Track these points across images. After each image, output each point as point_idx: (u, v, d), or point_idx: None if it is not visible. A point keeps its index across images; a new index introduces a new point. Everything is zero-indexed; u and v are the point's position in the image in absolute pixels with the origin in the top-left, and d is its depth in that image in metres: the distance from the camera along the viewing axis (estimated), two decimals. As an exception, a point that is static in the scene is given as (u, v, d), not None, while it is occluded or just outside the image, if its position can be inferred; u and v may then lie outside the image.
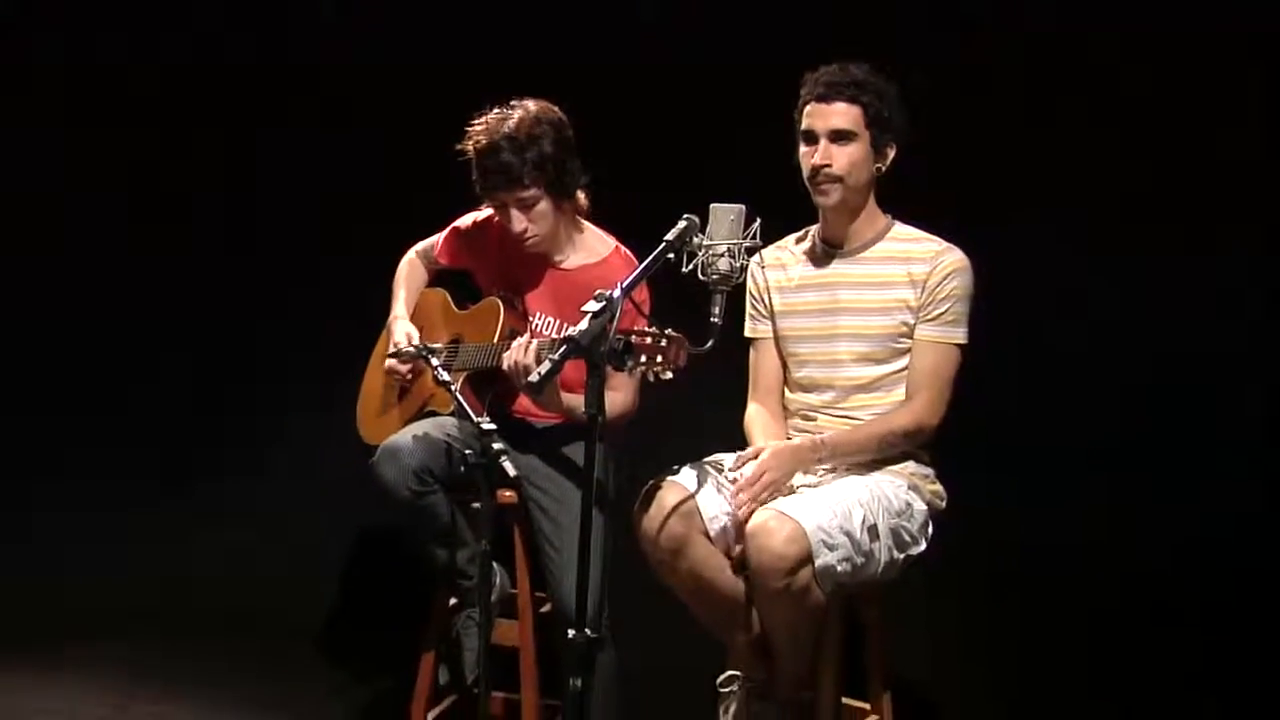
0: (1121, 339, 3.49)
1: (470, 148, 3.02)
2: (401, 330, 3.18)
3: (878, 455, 2.78)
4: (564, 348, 2.36)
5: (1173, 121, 3.42)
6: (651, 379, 2.48)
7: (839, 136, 2.76)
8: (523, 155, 2.95)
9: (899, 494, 2.74)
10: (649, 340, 2.44)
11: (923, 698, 3.37)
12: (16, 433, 4.35)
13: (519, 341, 2.89)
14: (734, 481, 2.72)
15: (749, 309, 2.98)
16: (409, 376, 3.18)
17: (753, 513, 2.62)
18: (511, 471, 2.58)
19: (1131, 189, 3.44)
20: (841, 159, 2.76)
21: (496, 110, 3.03)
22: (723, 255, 2.53)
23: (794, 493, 2.72)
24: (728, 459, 2.84)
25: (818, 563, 2.53)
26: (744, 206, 2.55)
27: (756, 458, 2.71)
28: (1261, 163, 3.37)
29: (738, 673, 2.77)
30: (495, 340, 3.03)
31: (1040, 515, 3.47)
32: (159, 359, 4.43)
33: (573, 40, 3.91)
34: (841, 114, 2.76)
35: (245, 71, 4.35)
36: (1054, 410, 3.51)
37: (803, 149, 2.81)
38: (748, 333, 2.98)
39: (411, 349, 3.08)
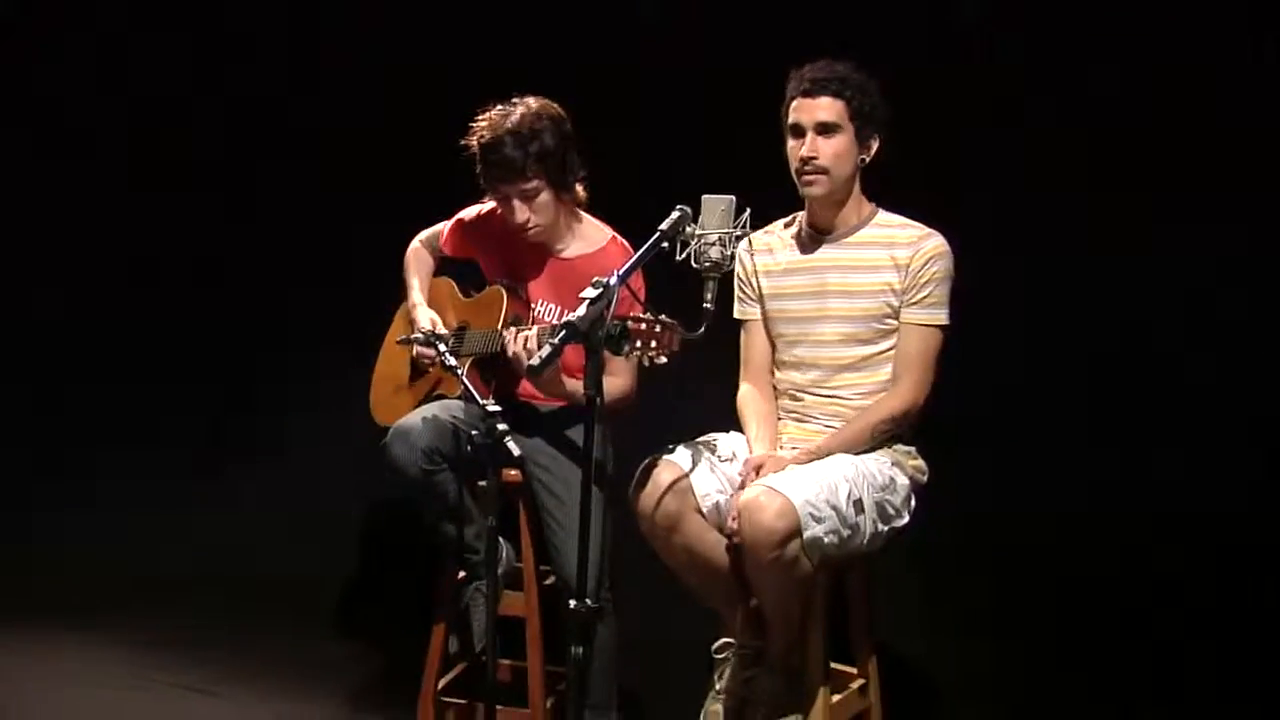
0: (1108, 335, 3.52)
1: (474, 143, 3.03)
2: (425, 317, 3.18)
3: (872, 444, 2.78)
4: (563, 332, 2.38)
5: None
6: (647, 364, 2.50)
7: (825, 129, 2.77)
8: (525, 149, 2.96)
9: (883, 469, 2.75)
10: (644, 326, 2.46)
11: (907, 662, 3.39)
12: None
13: (513, 333, 2.90)
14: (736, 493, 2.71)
15: (738, 292, 2.98)
16: (435, 361, 3.18)
17: None
18: (515, 451, 2.60)
19: (1118, 187, 3.44)
20: (827, 150, 2.77)
21: (499, 106, 3.04)
22: (714, 244, 2.55)
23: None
24: (721, 438, 2.86)
25: (806, 535, 2.55)
26: (734, 198, 2.57)
27: (759, 471, 2.69)
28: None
29: (731, 640, 2.80)
30: (499, 327, 3.04)
31: (1018, 492, 3.49)
32: (188, 338, 4.47)
33: (573, 40, 3.91)
34: (826, 108, 2.77)
35: (246, 70, 4.36)
36: (1035, 393, 3.52)
37: (790, 142, 2.82)
38: (737, 314, 2.98)
39: (420, 336, 3.11)
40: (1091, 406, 3.52)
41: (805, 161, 2.78)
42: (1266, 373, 3.35)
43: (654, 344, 2.47)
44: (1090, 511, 3.46)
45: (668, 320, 2.47)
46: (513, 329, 2.94)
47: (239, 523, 4.27)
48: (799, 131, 2.80)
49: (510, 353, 2.91)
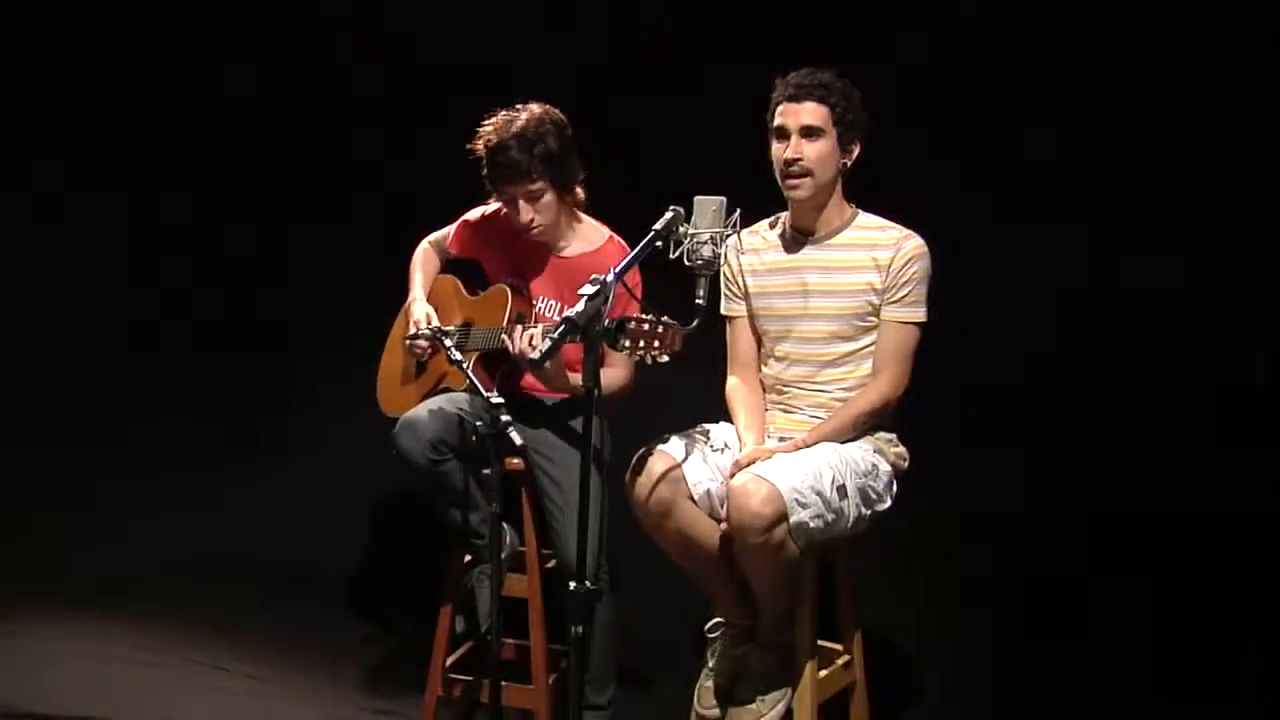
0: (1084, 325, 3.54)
1: (481, 146, 3.06)
2: (420, 310, 3.22)
3: (854, 435, 2.81)
4: (562, 328, 2.40)
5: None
6: (649, 362, 2.50)
7: (809, 132, 2.79)
8: (530, 152, 2.99)
9: (865, 456, 2.78)
10: (646, 326, 2.47)
11: (889, 639, 3.43)
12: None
13: (518, 331, 2.93)
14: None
15: (724, 290, 3.00)
16: (430, 351, 3.23)
17: None
18: (518, 441, 2.62)
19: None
20: (811, 153, 2.79)
21: (504, 112, 3.08)
22: (706, 243, 2.56)
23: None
24: (713, 429, 2.89)
25: (792, 520, 2.57)
26: (724, 198, 2.58)
27: (750, 464, 2.70)
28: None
29: (723, 620, 2.83)
30: (504, 324, 3.07)
31: (993, 477, 3.52)
32: (209, 335, 4.48)
33: (574, 43, 3.92)
34: (811, 112, 2.79)
35: (253, 71, 4.37)
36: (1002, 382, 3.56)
37: (775, 145, 2.84)
38: (724, 311, 3.00)
39: (427, 331, 3.14)
40: (1076, 409, 3.54)
41: (789, 164, 2.81)
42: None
43: (657, 343, 2.48)
44: (1058, 507, 3.51)
45: (669, 321, 2.48)
46: (519, 327, 2.97)
47: (256, 514, 4.29)
48: (784, 134, 2.82)
49: (515, 350, 2.94)
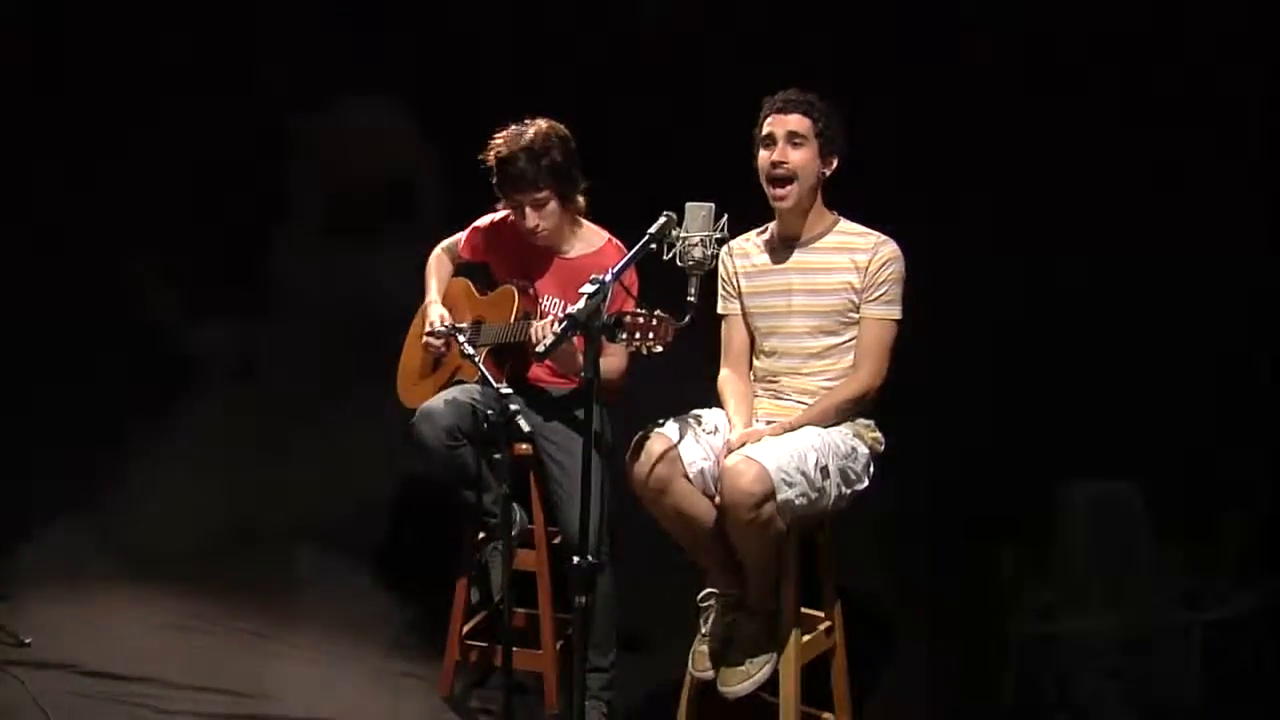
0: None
1: (492, 157, 3.05)
2: (435, 313, 3.20)
3: (836, 421, 2.78)
4: (565, 323, 2.38)
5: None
6: (645, 353, 2.49)
7: (794, 139, 2.78)
8: (538, 163, 2.98)
9: (845, 440, 2.75)
10: (641, 319, 2.45)
11: (866, 606, 3.38)
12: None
13: (538, 324, 2.91)
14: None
15: (720, 290, 2.98)
16: (445, 349, 3.21)
17: None
18: (525, 428, 2.60)
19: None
20: (795, 158, 2.78)
21: (513, 126, 3.06)
22: (696, 245, 2.54)
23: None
24: (705, 413, 2.85)
25: (779, 498, 2.55)
26: (714, 204, 2.56)
27: (743, 445, 2.67)
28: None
29: (715, 590, 2.81)
30: (512, 321, 3.06)
31: (962, 460, 3.47)
32: (251, 342, 4.43)
33: (572, 44, 3.87)
34: (796, 122, 2.78)
35: (283, 72, 4.28)
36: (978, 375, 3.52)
37: (762, 153, 2.82)
38: (720, 310, 2.98)
39: (443, 329, 3.12)
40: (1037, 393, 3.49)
41: (776, 165, 2.79)
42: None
43: (651, 335, 2.46)
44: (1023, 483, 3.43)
45: (662, 314, 2.46)
46: (525, 322, 2.93)
47: (290, 494, 4.25)
48: (771, 142, 2.80)
49: (535, 340, 2.90)
